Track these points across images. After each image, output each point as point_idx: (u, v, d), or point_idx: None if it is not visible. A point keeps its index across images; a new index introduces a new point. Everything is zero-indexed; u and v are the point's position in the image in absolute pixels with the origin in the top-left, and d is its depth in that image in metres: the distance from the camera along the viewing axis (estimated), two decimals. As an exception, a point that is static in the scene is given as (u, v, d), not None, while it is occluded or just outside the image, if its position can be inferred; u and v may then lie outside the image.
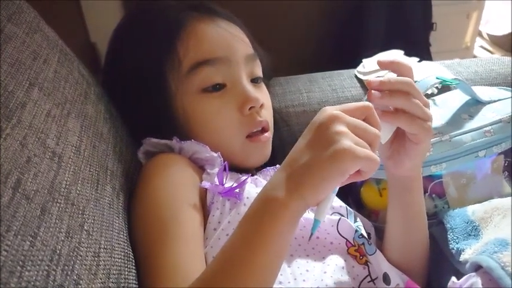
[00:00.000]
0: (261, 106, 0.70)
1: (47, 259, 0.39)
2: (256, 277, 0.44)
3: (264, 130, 0.71)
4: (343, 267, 0.60)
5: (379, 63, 0.56)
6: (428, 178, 0.73)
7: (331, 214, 0.66)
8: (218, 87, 0.69)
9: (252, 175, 0.70)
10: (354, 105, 0.47)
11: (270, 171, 0.73)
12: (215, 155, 0.65)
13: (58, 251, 0.40)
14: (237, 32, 0.74)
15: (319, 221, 0.46)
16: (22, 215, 0.39)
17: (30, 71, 0.53)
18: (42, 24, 0.64)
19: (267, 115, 0.73)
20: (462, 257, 0.58)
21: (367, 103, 0.48)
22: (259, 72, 0.75)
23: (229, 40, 0.70)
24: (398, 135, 0.57)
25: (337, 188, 0.47)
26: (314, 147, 0.45)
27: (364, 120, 0.47)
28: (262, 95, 0.73)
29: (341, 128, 0.44)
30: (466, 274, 0.55)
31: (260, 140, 0.70)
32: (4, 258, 0.35)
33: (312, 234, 0.48)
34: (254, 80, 0.74)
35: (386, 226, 0.67)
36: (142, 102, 0.71)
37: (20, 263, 0.36)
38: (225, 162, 0.64)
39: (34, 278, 0.36)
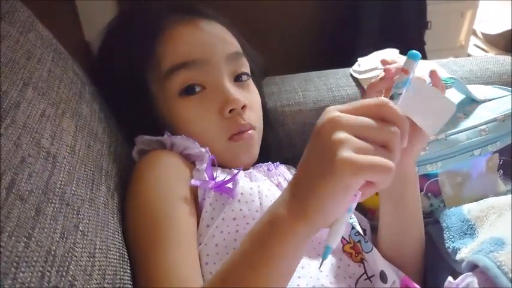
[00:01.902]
0: (244, 107, 0.69)
1: (42, 260, 0.38)
2: None
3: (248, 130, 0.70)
4: (338, 266, 0.60)
5: (382, 61, 0.54)
6: (424, 177, 0.73)
7: None
8: (197, 91, 0.68)
9: (246, 169, 0.70)
10: (362, 104, 0.41)
11: (263, 167, 0.72)
12: (203, 150, 0.65)
13: (53, 252, 0.40)
14: (220, 31, 0.73)
15: (331, 248, 0.41)
16: (16, 215, 0.38)
17: (24, 71, 0.53)
18: (36, 24, 0.63)
19: (252, 116, 0.71)
20: (458, 256, 0.58)
21: (382, 99, 0.41)
22: (244, 69, 0.74)
23: (207, 41, 0.70)
24: None
25: (354, 206, 0.41)
26: (315, 162, 0.40)
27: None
28: (248, 94, 0.72)
29: (339, 135, 0.38)
30: (462, 273, 0.55)
31: (244, 137, 0.69)
32: (-2, 259, 0.34)
33: (322, 261, 0.42)
34: (238, 78, 0.72)
35: (380, 226, 0.67)
36: (128, 104, 0.72)
37: (14, 264, 0.35)
38: (213, 156, 0.63)
39: (29, 279, 0.36)
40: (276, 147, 0.85)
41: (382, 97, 0.41)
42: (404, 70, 0.45)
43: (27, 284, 0.35)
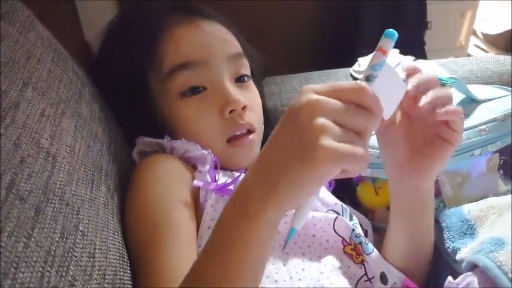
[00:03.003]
0: (244, 108, 0.68)
1: (41, 260, 0.38)
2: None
3: (249, 132, 0.70)
4: (339, 268, 0.60)
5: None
6: (424, 177, 0.73)
7: (327, 211, 0.66)
8: (197, 91, 0.68)
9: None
10: (340, 87, 0.40)
11: None
12: (205, 152, 0.65)
13: (52, 252, 0.40)
14: (221, 32, 0.73)
15: (295, 229, 0.41)
16: (16, 216, 0.38)
17: (23, 71, 0.53)
18: (36, 23, 0.63)
19: (252, 116, 0.71)
20: (458, 256, 0.58)
21: (360, 83, 0.40)
22: (245, 70, 0.73)
23: (208, 42, 0.70)
24: (428, 137, 0.53)
25: (319, 190, 0.41)
26: (290, 144, 0.39)
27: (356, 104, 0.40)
28: (248, 95, 0.72)
29: (320, 120, 0.37)
30: (462, 273, 0.55)
31: (244, 143, 0.69)
32: (-2, 259, 0.34)
33: (286, 243, 0.43)
34: (239, 79, 0.72)
35: (388, 243, 0.63)
36: (129, 105, 0.72)
37: (14, 264, 0.35)
38: (215, 158, 0.63)
39: (28, 279, 0.36)
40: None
41: (360, 81, 0.40)
42: (382, 50, 0.42)
43: (26, 284, 0.35)
